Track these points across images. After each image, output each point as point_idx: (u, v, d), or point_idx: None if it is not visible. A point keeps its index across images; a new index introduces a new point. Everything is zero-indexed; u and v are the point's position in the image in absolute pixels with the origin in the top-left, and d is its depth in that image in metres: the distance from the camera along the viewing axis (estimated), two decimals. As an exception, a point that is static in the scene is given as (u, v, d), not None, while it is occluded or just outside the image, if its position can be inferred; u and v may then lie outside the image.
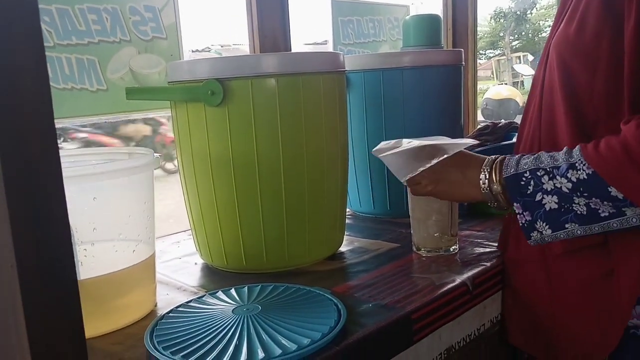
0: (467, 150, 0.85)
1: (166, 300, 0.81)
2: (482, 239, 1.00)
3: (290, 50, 1.31)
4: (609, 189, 0.67)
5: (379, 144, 0.89)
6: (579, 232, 0.72)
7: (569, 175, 0.69)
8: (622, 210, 0.68)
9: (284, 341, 0.63)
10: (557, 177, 0.70)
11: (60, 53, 0.97)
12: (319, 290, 0.77)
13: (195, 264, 0.98)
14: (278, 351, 0.61)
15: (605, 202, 0.68)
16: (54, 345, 0.41)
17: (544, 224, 0.73)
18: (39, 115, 0.38)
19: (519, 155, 0.77)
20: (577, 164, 0.69)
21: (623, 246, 0.75)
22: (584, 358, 0.81)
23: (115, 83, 1.04)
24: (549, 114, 0.81)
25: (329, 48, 1.54)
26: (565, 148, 0.72)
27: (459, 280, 0.81)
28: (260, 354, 0.61)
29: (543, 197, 0.72)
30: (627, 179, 0.66)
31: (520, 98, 9.57)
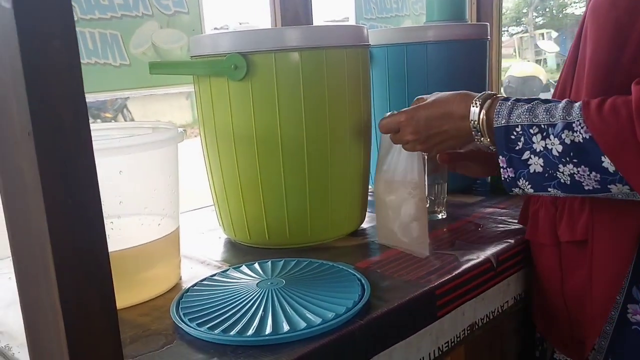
0: (442, 97, 0.80)
1: (190, 273, 0.82)
2: (506, 216, 0.99)
3: (312, 25, 1.29)
4: (602, 159, 0.62)
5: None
6: (561, 195, 0.69)
7: (562, 136, 0.64)
8: (608, 186, 0.64)
9: (308, 315, 0.63)
10: (550, 137, 0.65)
11: (83, 28, 0.97)
12: (343, 265, 0.78)
13: (219, 238, 0.98)
14: (302, 324, 0.61)
15: (592, 174, 0.63)
16: (88, 318, 0.41)
17: (527, 183, 0.70)
18: (69, 82, 0.38)
19: (512, 100, 0.70)
20: (574, 124, 0.63)
21: (602, 247, 0.73)
22: (580, 344, 0.79)
23: (138, 58, 1.04)
24: (577, 92, 0.76)
25: (351, 24, 1.52)
26: (565, 101, 0.66)
27: (483, 256, 0.81)
28: (285, 327, 0.61)
29: (530, 157, 0.67)
30: (624, 151, 0.60)
31: (544, 76, 9.35)
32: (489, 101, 0.72)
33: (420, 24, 1.60)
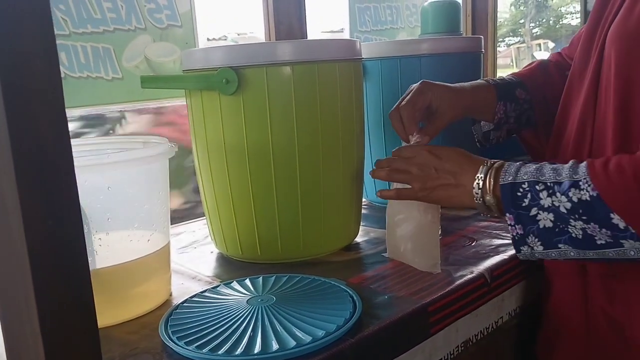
0: (464, 150, 0.78)
1: (181, 289, 0.81)
2: (500, 230, 0.98)
3: (306, 38, 1.29)
4: (611, 215, 0.62)
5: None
6: (572, 254, 0.68)
7: (570, 194, 0.64)
8: (620, 242, 0.63)
9: (298, 333, 0.62)
10: (557, 194, 0.65)
11: (75, 41, 0.96)
12: (334, 282, 0.77)
13: (211, 252, 0.97)
14: (292, 343, 0.60)
15: (603, 230, 0.63)
16: (67, 334, 0.40)
17: (536, 240, 0.69)
18: (50, 101, 0.37)
19: (519, 163, 0.72)
20: (581, 183, 0.64)
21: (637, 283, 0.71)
22: None
23: (131, 71, 1.03)
24: (603, 120, 0.73)
25: (346, 35, 1.52)
26: (571, 162, 0.68)
27: (477, 272, 0.80)
28: (275, 346, 0.60)
29: (538, 213, 0.67)
30: (633, 208, 0.61)
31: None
32: (497, 164, 0.73)
33: (415, 37, 1.61)
